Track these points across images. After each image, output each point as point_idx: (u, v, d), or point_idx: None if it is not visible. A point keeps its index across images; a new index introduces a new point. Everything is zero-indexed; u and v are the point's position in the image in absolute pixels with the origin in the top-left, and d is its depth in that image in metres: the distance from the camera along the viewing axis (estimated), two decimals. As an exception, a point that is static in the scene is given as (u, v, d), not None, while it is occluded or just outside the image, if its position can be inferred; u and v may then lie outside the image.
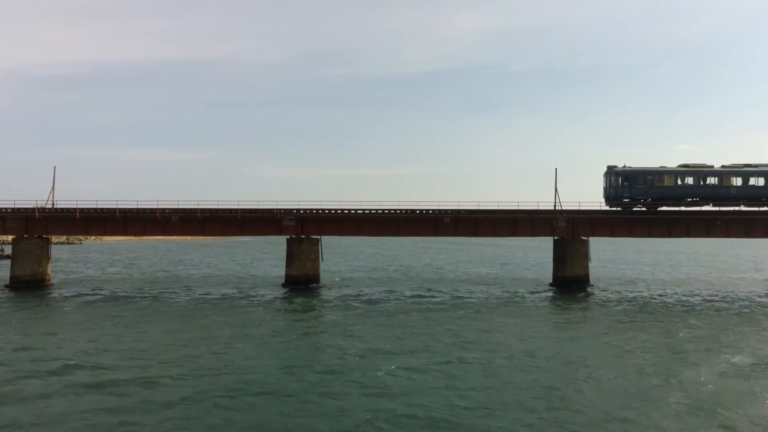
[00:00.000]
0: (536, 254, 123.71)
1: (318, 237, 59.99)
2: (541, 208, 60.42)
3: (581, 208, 60.36)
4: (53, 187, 62.25)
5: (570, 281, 59.54)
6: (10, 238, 64.42)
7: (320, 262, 60.69)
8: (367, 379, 25.55)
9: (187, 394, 23.19)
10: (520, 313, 44.28)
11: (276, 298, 52.52)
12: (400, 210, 60.33)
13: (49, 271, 60.37)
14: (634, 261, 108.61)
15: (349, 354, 30.17)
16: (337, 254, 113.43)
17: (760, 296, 56.49)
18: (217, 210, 60.21)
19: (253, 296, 53.27)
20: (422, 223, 60.83)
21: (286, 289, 57.51)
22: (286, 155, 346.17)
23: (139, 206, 59.71)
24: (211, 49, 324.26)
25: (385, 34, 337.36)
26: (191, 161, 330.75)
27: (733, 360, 29.50)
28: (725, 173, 58.32)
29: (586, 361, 29.21)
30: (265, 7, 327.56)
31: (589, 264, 61.30)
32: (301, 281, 58.67)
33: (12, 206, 59.27)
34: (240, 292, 56.17)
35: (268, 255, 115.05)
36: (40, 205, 59.66)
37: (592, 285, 60.69)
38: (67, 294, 53.71)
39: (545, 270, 77.78)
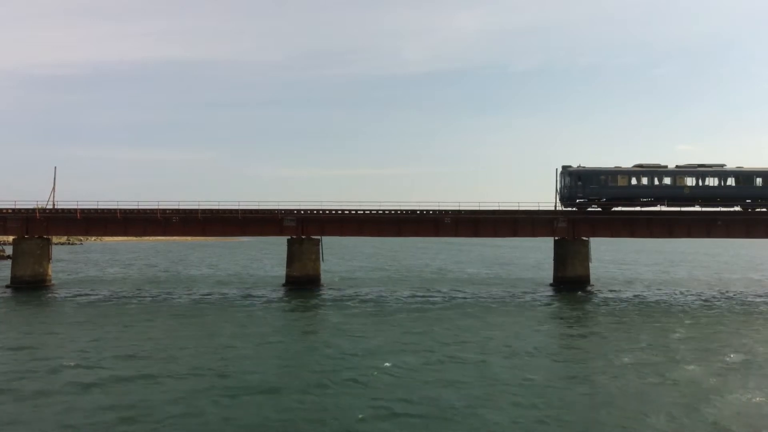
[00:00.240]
0: (537, 255, 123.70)
1: (318, 237, 60.01)
2: (541, 208, 60.53)
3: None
4: (54, 188, 62.42)
5: (571, 281, 59.53)
6: (10, 238, 64.42)
7: (321, 262, 60.71)
8: (367, 378, 25.56)
9: (188, 393, 23.21)
10: (520, 314, 44.28)
11: (276, 298, 52.54)
12: (401, 210, 60.35)
13: (49, 271, 60.40)
14: (634, 261, 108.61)
15: (349, 353, 30.16)
16: (338, 254, 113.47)
17: (758, 296, 56.47)
18: (217, 210, 60.26)
19: (254, 296, 53.29)
20: (423, 224, 60.84)
21: (286, 290, 57.53)
22: (286, 155, 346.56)
23: (140, 207, 59.83)
24: (211, 49, 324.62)
25: (385, 34, 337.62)
26: (191, 161, 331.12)
27: (729, 359, 29.48)
28: (679, 173, 58.25)
29: (583, 361, 29.26)
30: (265, 7, 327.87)
31: (590, 264, 61.30)
32: (302, 281, 58.67)
33: (13, 207, 59.35)
34: (240, 293, 56.19)
35: (269, 255, 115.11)
36: (40, 206, 59.72)
37: (593, 285, 60.67)
38: (67, 294, 53.75)
39: (546, 270, 77.81)
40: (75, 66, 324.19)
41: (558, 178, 60.72)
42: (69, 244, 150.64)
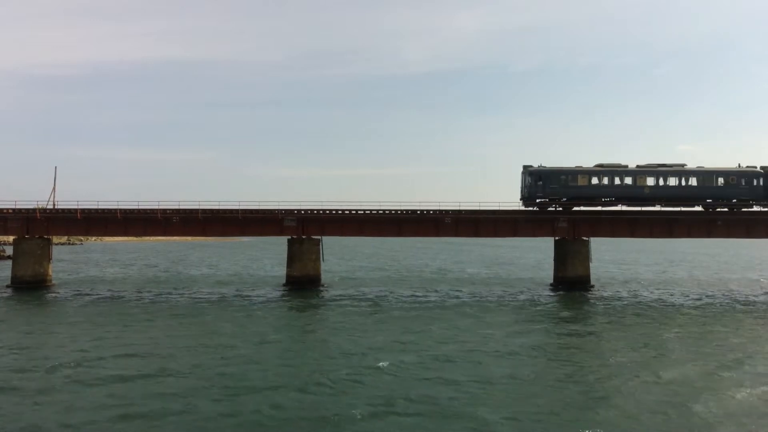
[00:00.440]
0: (537, 255, 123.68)
1: (319, 237, 60.01)
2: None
3: (582, 208, 60.29)
4: (54, 188, 62.41)
5: (571, 281, 59.49)
6: (11, 238, 64.49)
7: (321, 262, 60.71)
8: (366, 377, 25.62)
9: (187, 392, 23.27)
10: (519, 314, 44.29)
11: (277, 298, 52.54)
12: (401, 210, 60.35)
13: (50, 271, 60.41)
14: (634, 261, 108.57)
15: (349, 352, 30.21)
16: (338, 254, 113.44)
17: (757, 295, 56.48)
18: (218, 210, 60.25)
19: (254, 296, 53.30)
20: (423, 224, 60.84)
21: (286, 290, 57.54)
22: (286, 155, 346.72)
23: (140, 207, 59.81)
24: (211, 49, 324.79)
25: (385, 34, 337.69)
26: (191, 161, 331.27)
27: (724, 359, 29.51)
28: (639, 173, 58.04)
29: (581, 360, 29.32)
30: (265, 7, 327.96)
31: (590, 264, 61.28)
32: (302, 281, 58.67)
33: (13, 207, 59.35)
34: (241, 293, 56.19)
35: (269, 255, 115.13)
36: (41, 206, 59.72)
37: (593, 285, 60.65)
38: (68, 294, 53.77)
39: (546, 270, 77.82)
40: (75, 66, 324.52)
41: (520, 178, 60.51)
42: (69, 244, 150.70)
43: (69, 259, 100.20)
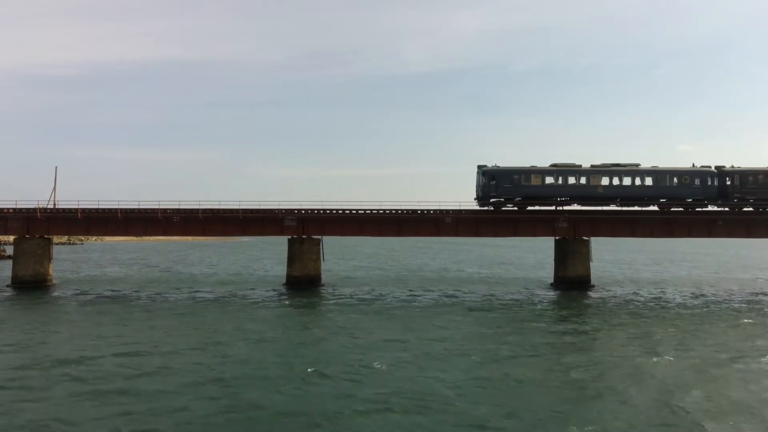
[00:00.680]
0: (537, 255, 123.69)
1: (319, 237, 59.99)
2: (541, 208, 60.39)
3: (582, 208, 60.31)
4: (54, 188, 62.41)
5: (571, 281, 59.48)
6: (11, 238, 64.49)
7: (321, 262, 60.70)
8: (365, 376, 25.66)
9: (188, 390, 23.33)
10: (519, 313, 44.24)
11: (277, 297, 52.54)
12: (402, 210, 60.35)
13: (50, 271, 60.42)
14: (634, 261, 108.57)
15: (348, 352, 30.21)
16: (338, 254, 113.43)
17: (753, 295, 56.48)
18: (218, 210, 60.25)
19: (254, 296, 53.30)
20: (423, 223, 60.84)
21: (287, 289, 57.54)
22: (286, 155, 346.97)
23: (141, 206, 59.81)
24: (211, 49, 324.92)
25: (385, 34, 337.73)
26: (191, 161, 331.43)
27: (721, 358, 29.54)
28: (593, 173, 57.96)
29: (577, 359, 29.38)
30: (265, 7, 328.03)
31: (591, 264, 61.28)
32: (303, 281, 58.66)
33: (14, 206, 59.35)
34: (241, 292, 56.19)
35: (269, 255, 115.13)
36: (41, 206, 59.72)
37: (594, 285, 60.64)
38: (68, 294, 53.78)
39: (546, 270, 77.82)
40: (75, 66, 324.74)
41: (475, 178, 60.31)
42: (70, 243, 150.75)
43: (69, 259, 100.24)
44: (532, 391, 23.77)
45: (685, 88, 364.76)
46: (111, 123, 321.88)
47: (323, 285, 60.42)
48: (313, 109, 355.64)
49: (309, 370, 26.63)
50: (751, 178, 57.81)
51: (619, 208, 59.89)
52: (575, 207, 59.77)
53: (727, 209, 59.54)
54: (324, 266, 62.77)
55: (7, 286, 57.26)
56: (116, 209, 59.28)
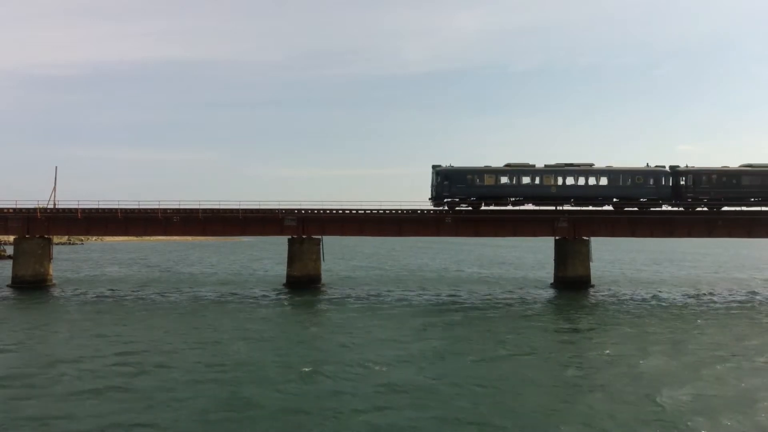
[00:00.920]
0: (537, 255, 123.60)
1: (319, 237, 59.97)
2: (541, 208, 60.36)
3: (582, 208, 60.29)
4: (54, 188, 62.42)
5: (571, 281, 59.44)
6: (11, 238, 64.49)
7: (321, 262, 60.68)
8: (365, 376, 25.68)
9: (188, 389, 23.37)
10: (518, 313, 44.26)
11: (277, 297, 52.54)
12: (402, 210, 60.34)
13: (50, 271, 60.41)
14: (634, 261, 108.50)
15: (349, 351, 30.25)
16: (338, 254, 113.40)
17: (750, 295, 56.50)
18: (218, 210, 60.23)
19: (255, 296, 53.31)
20: (423, 223, 60.83)
21: (287, 289, 57.54)
22: (286, 155, 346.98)
23: (141, 206, 59.78)
24: (211, 49, 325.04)
25: (385, 34, 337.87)
26: (191, 161, 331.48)
27: (715, 357, 29.58)
28: (546, 172, 57.82)
29: (573, 358, 29.49)
30: (265, 7, 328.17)
31: (591, 264, 61.25)
32: (303, 281, 58.64)
33: (14, 206, 59.35)
34: (241, 292, 56.19)
35: (270, 255, 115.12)
36: (41, 206, 59.72)
37: (594, 285, 60.62)
38: (68, 294, 53.78)
39: (546, 270, 77.80)
40: (75, 66, 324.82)
41: (431, 178, 60.06)
42: (70, 243, 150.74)
43: (69, 259, 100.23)
44: (528, 390, 23.92)
45: (685, 88, 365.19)
46: (111, 123, 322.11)
47: (323, 285, 60.41)
48: (313, 109, 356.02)
49: (308, 369, 26.70)
50: (704, 178, 57.70)
51: (619, 209, 59.75)
52: (574, 207, 59.61)
53: (682, 209, 59.47)
54: (324, 266, 62.75)
55: (8, 286, 57.24)
56: (116, 209, 59.27)
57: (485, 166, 58.36)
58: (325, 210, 60.11)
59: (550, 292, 57.88)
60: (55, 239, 67.65)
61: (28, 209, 59.11)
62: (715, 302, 51.60)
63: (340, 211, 60.21)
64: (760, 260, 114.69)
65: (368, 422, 20.11)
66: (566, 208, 59.73)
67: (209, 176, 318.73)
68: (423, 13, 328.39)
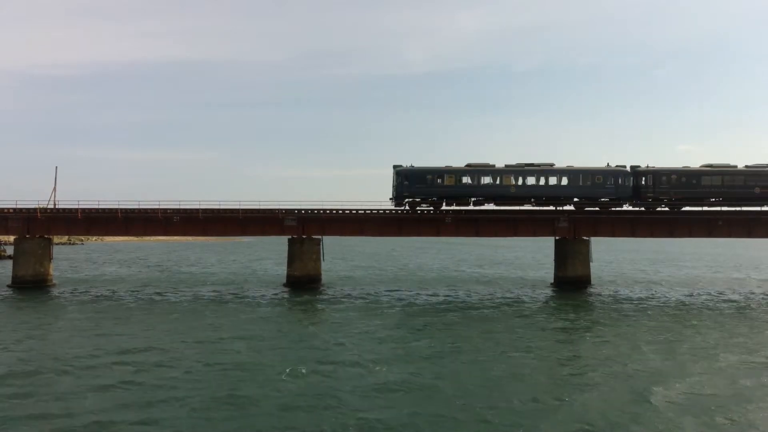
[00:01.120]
0: (537, 255, 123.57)
1: (319, 237, 59.99)
2: (541, 208, 60.33)
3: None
4: (54, 188, 62.45)
5: (571, 281, 59.43)
6: (12, 238, 64.51)
7: (321, 262, 60.69)
8: (364, 375, 25.74)
9: (187, 387, 23.42)
10: (518, 313, 44.28)
11: (277, 297, 52.56)
12: (402, 210, 60.33)
13: (50, 271, 60.43)
14: (633, 260, 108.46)
15: (348, 351, 30.30)
16: (338, 254, 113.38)
17: (747, 294, 56.49)
18: (218, 210, 60.24)
19: (255, 296, 53.33)
20: (423, 223, 60.83)
21: (287, 289, 57.55)
22: (286, 155, 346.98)
23: (141, 206, 59.79)
24: (211, 49, 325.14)
25: (385, 34, 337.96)
26: (191, 161, 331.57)
27: (733, 361, 29.59)
28: (505, 172, 57.79)
29: (571, 357, 29.58)
30: (265, 7, 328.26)
31: (591, 264, 61.24)
32: (303, 281, 58.66)
33: (14, 206, 59.35)
34: (241, 292, 56.21)
35: (270, 255, 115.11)
36: (41, 206, 59.73)
37: (594, 285, 60.62)
38: (68, 294, 53.80)
39: (546, 270, 77.79)
40: (75, 66, 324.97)
41: (392, 178, 59.89)
42: (70, 243, 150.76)
43: (70, 259, 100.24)
44: (524, 389, 24.07)
45: (685, 88, 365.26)
46: (111, 123, 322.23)
47: (323, 285, 60.43)
48: (313, 110, 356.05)
49: (307, 368, 26.73)
50: (664, 178, 57.69)
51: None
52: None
53: (643, 209, 59.43)
54: (324, 266, 62.78)
55: (8, 286, 57.26)
56: (116, 209, 59.29)
57: (446, 166, 58.48)
58: (325, 210, 60.12)
59: (549, 292, 57.88)
60: (56, 239, 67.65)
61: (28, 209, 59.13)
62: (711, 302, 51.62)
63: (340, 211, 60.22)
64: (761, 260, 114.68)
65: (367, 421, 20.17)
66: (566, 208, 59.68)
67: (209, 176, 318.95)
68: (423, 13, 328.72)
